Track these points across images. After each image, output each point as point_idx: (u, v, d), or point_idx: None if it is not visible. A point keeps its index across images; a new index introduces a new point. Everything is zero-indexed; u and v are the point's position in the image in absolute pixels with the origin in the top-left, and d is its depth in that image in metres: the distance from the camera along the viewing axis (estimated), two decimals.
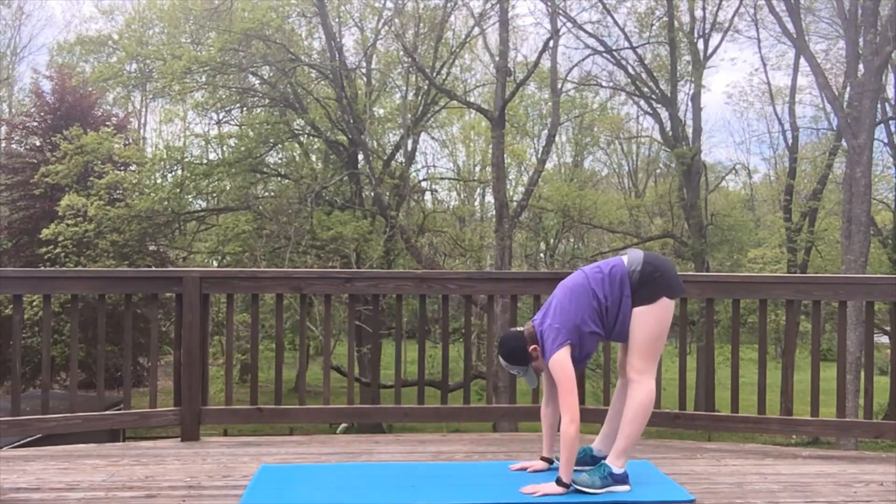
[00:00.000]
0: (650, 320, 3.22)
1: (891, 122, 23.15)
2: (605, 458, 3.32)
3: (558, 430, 3.17)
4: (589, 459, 3.44)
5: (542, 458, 3.45)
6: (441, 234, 23.47)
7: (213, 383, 5.42)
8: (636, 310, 3.23)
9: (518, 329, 3.32)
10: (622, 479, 3.19)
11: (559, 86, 20.98)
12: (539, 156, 23.53)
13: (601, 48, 21.88)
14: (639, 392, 3.21)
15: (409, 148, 22.77)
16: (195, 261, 20.79)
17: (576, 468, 3.36)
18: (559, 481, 3.10)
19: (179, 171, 19.76)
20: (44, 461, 3.67)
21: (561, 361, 3.13)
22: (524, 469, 3.42)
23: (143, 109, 29.75)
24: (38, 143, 22.45)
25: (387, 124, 23.90)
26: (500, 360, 3.30)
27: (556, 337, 3.15)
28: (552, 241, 26.36)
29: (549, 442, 3.45)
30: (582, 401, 4.29)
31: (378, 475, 3.41)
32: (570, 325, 3.17)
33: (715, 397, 4.61)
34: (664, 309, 3.24)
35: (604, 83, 24.81)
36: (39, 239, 17.55)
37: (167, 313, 16.37)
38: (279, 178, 21.80)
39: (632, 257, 3.30)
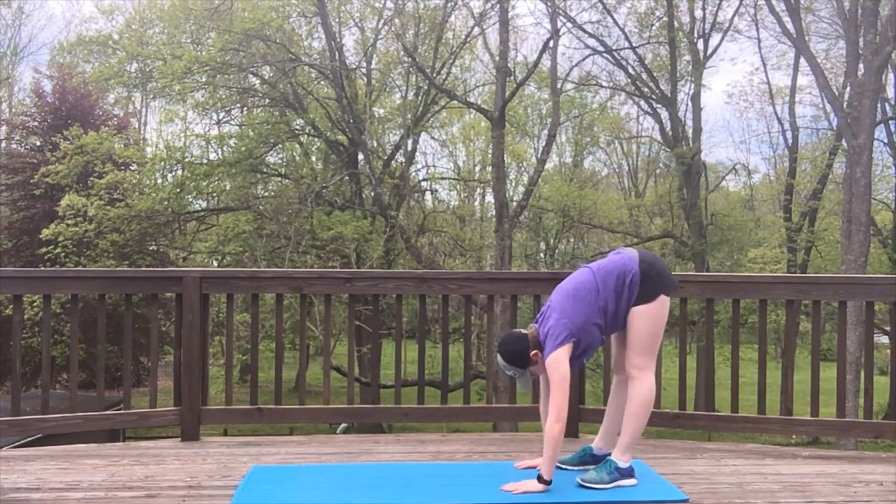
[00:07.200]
0: (649, 318, 3.25)
1: (891, 122, 23.14)
2: (605, 455, 3.34)
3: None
4: (590, 459, 3.46)
5: None
6: (441, 234, 23.47)
7: (213, 383, 5.42)
8: (635, 308, 3.25)
9: (521, 331, 3.31)
10: (628, 472, 3.22)
11: (559, 86, 20.99)
12: (539, 156, 23.54)
13: (601, 48, 21.88)
14: (640, 388, 3.23)
15: (409, 148, 22.77)
16: (195, 261, 20.81)
17: (582, 467, 3.37)
18: (540, 478, 3.11)
19: (180, 171, 19.77)
20: (44, 461, 3.66)
21: (558, 360, 3.13)
22: (531, 467, 3.39)
23: (144, 109, 29.79)
24: (38, 143, 22.47)
25: (387, 124, 23.90)
26: (499, 359, 3.28)
27: (559, 335, 3.15)
28: (552, 241, 26.37)
29: None
30: (581, 400, 4.30)
31: (374, 475, 3.40)
32: (574, 322, 3.17)
33: (715, 397, 4.61)
34: (662, 306, 3.27)
35: (604, 83, 24.84)
36: (39, 239, 17.55)
37: (167, 313, 16.37)
38: (279, 178, 21.81)
39: (629, 256, 3.31)
